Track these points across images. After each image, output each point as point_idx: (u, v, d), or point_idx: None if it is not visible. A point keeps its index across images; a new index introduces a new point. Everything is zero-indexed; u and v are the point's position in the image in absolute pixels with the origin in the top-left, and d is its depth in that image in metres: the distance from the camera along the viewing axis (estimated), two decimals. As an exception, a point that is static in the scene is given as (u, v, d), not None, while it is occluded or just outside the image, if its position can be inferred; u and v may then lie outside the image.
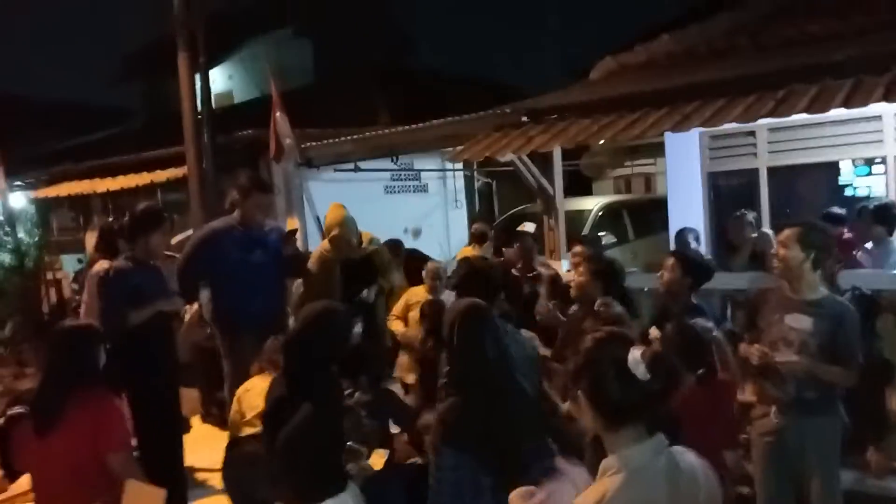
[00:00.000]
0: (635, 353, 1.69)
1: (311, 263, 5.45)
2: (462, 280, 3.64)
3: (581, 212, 9.45)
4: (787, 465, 3.37)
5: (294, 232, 5.07)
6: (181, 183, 8.24)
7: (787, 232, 3.29)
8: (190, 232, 5.99)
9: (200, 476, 4.90)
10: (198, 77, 7.74)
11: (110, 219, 7.82)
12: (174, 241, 4.89)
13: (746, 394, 3.94)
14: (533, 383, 3.25)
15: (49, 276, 10.56)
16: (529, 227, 5.95)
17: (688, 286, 3.93)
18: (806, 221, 3.49)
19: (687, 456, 1.78)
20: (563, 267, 6.27)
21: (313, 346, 2.86)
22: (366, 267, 5.58)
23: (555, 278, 5.53)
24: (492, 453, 2.84)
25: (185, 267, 4.72)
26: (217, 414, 5.77)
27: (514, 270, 5.66)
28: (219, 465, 4.22)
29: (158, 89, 15.71)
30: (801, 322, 3.23)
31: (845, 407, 3.36)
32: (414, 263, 6.13)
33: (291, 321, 6.41)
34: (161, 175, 9.05)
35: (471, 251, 6.59)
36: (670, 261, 4.02)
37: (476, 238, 6.73)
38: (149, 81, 17.31)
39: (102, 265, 5.46)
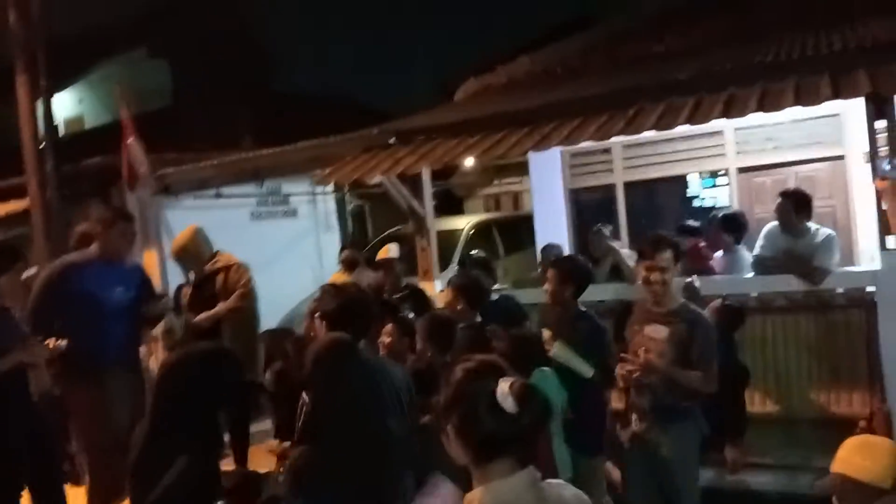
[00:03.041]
0: (503, 386, 1.61)
1: None
2: (337, 311, 3.20)
3: (453, 231, 9.53)
4: (650, 469, 3.51)
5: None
6: (25, 216, 7.62)
7: (665, 255, 3.39)
8: (35, 270, 5.51)
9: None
10: (40, 102, 7.22)
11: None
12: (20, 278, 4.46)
13: (614, 402, 4.11)
14: (404, 417, 3.06)
15: None
16: (393, 250, 5.91)
17: (571, 293, 3.97)
18: (664, 237, 3.61)
19: (561, 489, 1.73)
20: (437, 287, 6.25)
21: (196, 389, 2.52)
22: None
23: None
24: (351, 499, 2.65)
25: (37, 307, 4.23)
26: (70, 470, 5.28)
27: (384, 294, 5.60)
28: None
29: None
30: (658, 332, 3.39)
31: (706, 408, 3.53)
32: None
33: (153, 361, 6.07)
34: None
35: (341, 277, 6.46)
36: (550, 272, 4.07)
37: (346, 265, 6.61)
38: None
39: None
